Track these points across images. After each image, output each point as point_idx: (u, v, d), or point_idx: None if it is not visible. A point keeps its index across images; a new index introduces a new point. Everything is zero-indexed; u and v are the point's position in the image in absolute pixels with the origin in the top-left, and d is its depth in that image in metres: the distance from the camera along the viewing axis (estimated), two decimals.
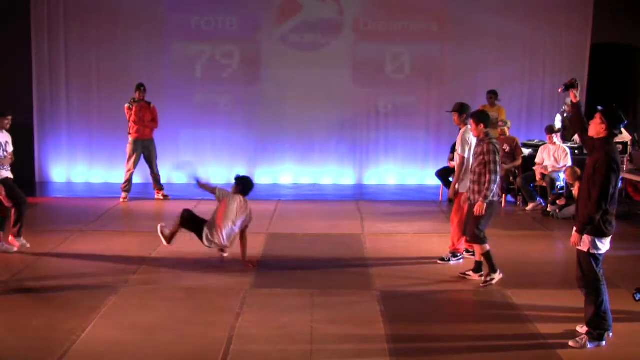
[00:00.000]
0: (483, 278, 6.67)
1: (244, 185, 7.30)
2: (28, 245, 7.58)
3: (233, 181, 7.40)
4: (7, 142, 7.57)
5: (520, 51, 12.43)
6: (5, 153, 7.50)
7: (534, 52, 12.44)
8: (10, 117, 7.56)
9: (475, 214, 6.53)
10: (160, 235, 7.34)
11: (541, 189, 10.38)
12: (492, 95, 11.38)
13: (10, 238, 7.54)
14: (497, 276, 6.59)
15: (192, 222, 7.27)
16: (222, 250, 7.43)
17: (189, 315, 5.81)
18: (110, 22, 12.13)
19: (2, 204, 7.54)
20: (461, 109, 7.23)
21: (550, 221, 9.52)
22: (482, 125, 6.62)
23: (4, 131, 7.56)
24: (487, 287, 6.54)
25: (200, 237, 7.18)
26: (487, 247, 6.60)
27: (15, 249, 7.57)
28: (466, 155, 7.10)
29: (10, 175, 7.57)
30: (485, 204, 6.49)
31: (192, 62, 12.39)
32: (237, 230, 7.16)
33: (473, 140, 6.99)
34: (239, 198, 7.21)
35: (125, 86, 11.29)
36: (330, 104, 12.40)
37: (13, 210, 7.47)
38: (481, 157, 6.55)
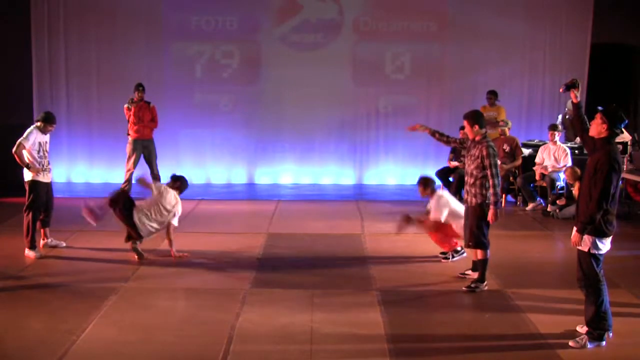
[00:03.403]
0: (470, 282, 6.61)
1: (181, 183, 7.67)
2: (42, 256, 7.53)
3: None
4: (46, 142, 7.61)
5: (520, 51, 12.42)
6: (45, 152, 7.54)
7: (534, 52, 12.44)
8: (54, 125, 7.64)
9: (490, 221, 6.41)
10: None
11: (541, 189, 10.38)
12: (492, 95, 11.39)
13: (27, 251, 7.55)
14: (483, 287, 6.53)
15: (124, 204, 7.41)
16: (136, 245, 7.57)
17: (189, 315, 5.81)
18: (110, 21, 12.13)
19: (47, 203, 7.65)
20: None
21: (550, 221, 9.52)
22: (477, 127, 6.50)
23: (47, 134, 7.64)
24: (485, 288, 6.51)
25: (132, 225, 7.34)
26: (488, 254, 6.55)
27: (64, 244, 7.91)
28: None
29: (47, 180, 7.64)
30: (496, 209, 6.36)
31: (192, 62, 12.39)
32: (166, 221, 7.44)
33: None
34: (173, 192, 7.53)
35: (125, 86, 11.27)
36: (330, 104, 12.40)
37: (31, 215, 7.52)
38: (478, 160, 6.42)
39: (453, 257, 7.43)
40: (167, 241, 7.51)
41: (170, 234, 7.49)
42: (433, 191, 7.48)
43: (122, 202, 7.41)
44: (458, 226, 7.06)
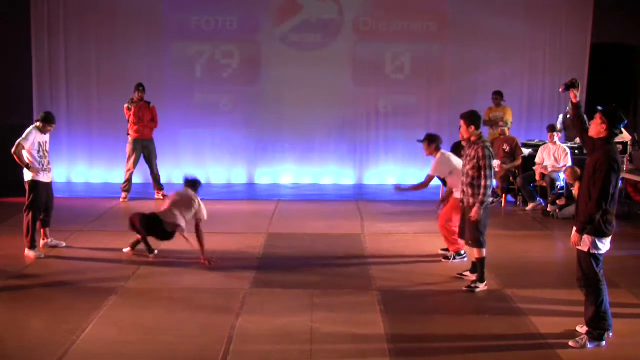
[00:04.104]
0: (470, 282, 6.61)
1: (193, 183, 7.70)
2: (42, 256, 7.51)
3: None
4: (46, 141, 7.60)
5: (520, 51, 12.42)
6: (45, 152, 7.53)
7: (534, 52, 12.43)
8: (54, 125, 7.64)
9: (472, 219, 6.44)
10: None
11: (541, 189, 10.38)
12: (498, 95, 11.37)
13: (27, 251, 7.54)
14: (483, 287, 6.52)
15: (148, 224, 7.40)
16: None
17: (189, 315, 5.81)
18: (110, 21, 12.13)
19: (47, 203, 7.65)
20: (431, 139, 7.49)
21: (550, 221, 9.52)
22: (472, 127, 6.49)
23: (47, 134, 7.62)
24: (485, 288, 6.50)
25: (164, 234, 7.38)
26: (485, 253, 6.54)
27: (64, 244, 7.89)
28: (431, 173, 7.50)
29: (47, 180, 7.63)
30: (481, 209, 6.39)
31: (192, 62, 12.39)
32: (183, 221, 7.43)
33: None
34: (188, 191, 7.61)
35: (125, 86, 11.29)
36: (330, 104, 12.40)
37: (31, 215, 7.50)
38: (474, 160, 6.42)
39: (454, 258, 7.44)
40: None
41: (199, 234, 7.44)
42: (438, 149, 7.50)
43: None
44: (455, 182, 7.19)
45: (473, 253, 6.67)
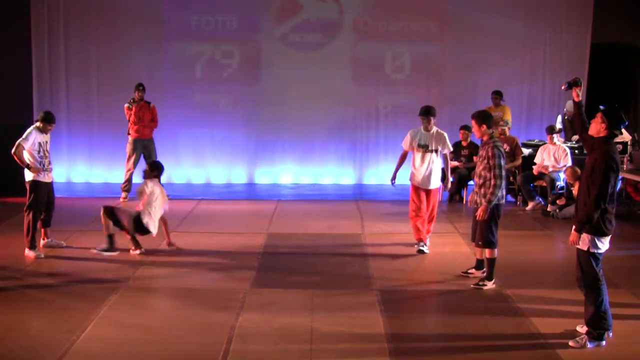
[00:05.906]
0: (478, 280, 6.63)
1: (159, 169, 7.83)
2: (42, 256, 7.49)
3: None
4: (46, 141, 7.59)
5: (520, 51, 12.42)
6: (46, 152, 7.52)
7: (534, 52, 12.44)
8: (54, 125, 7.66)
9: (477, 217, 6.45)
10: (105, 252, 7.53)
11: (541, 189, 10.38)
12: (497, 95, 11.39)
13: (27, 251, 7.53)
14: (491, 285, 6.53)
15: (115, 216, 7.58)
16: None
17: (189, 315, 5.81)
18: (110, 22, 12.13)
19: (48, 203, 7.65)
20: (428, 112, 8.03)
21: (550, 221, 9.52)
22: (484, 127, 6.52)
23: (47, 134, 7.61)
24: (492, 286, 6.51)
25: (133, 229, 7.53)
26: (496, 253, 6.55)
27: (64, 244, 7.90)
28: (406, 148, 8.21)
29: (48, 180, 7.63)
30: (489, 209, 6.39)
31: (192, 62, 12.39)
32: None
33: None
34: (159, 184, 7.74)
35: (125, 86, 11.29)
36: (330, 104, 12.40)
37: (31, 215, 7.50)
38: (486, 161, 6.44)
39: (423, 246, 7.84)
40: (165, 231, 7.75)
41: (166, 222, 7.78)
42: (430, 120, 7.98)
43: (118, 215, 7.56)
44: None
45: (480, 252, 6.70)
